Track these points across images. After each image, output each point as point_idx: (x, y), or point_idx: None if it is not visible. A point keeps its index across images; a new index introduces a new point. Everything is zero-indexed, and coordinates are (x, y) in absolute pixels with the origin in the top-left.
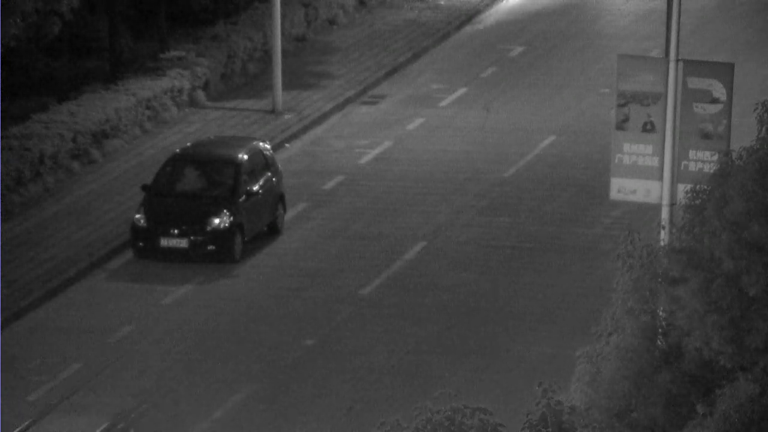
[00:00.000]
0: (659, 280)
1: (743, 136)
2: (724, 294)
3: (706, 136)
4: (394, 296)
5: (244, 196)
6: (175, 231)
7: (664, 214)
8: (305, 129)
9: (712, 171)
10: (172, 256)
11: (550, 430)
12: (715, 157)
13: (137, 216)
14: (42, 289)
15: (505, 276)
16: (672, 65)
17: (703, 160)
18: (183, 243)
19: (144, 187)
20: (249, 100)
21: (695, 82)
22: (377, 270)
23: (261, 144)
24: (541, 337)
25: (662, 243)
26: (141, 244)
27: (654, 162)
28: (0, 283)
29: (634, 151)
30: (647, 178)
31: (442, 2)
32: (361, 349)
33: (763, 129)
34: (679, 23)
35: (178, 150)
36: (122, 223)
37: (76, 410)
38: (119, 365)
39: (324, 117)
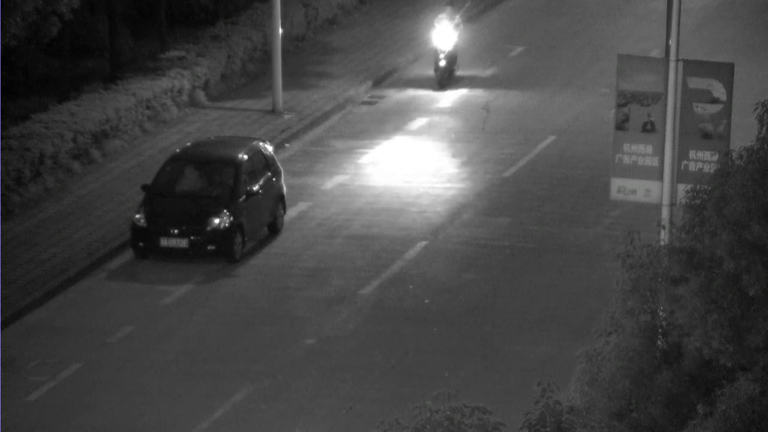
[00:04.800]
0: (659, 279)
1: (743, 136)
2: (724, 293)
3: (706, 136)
4: (394, 296)
5: (244, 196)
6: (175, 231)
7: (664, 214)
8: (305, 129)
9: (712, 171)
10: (172, 255)
11: (548, 429)
12: (715, 157)
13: (137, 216)
14: (42, 289)
15: (505, 276)
16: (672, 65)
17: (703, 160)
18: (183, 243)
19: (144, 187)
20: (249, 100)
21: (695, 82)
22: (377, 270)
23: (261, 144)
24: (541, 337)
25: (662, 243)
26: (141, 244)
27: (654, 162)
28: (0, 283)
29: (634, 151)
30: (647, 178)
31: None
32: (361, 349)
33: (763, 129)
34: (679, 23)
35: (178, 150)
36: (122, 223)
37: (77, 410)
38: (119, 365)
39: (324, 117)
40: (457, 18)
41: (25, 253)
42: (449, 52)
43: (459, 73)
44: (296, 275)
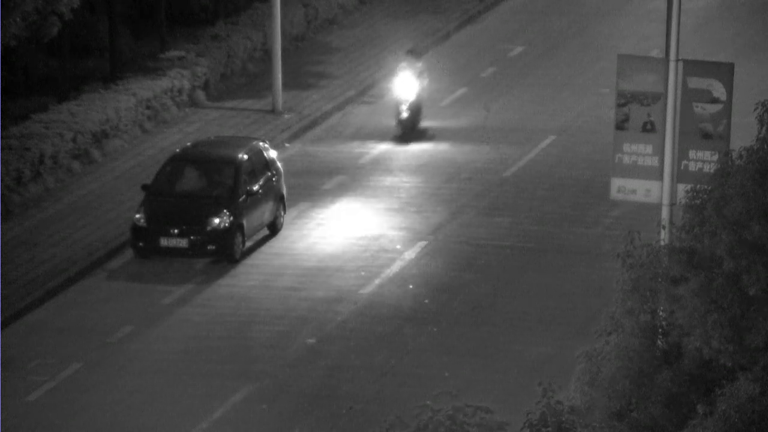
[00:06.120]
0: (659, 279)
1: (743, 136)
2: (724, 293)
3: (706, 136)
4: (394, 296)
5: (244, 196)
6: (175, 231)
7: (664, 214)
8: (305, 129)
9: (712, 171)
10: (172, 255)
11: (549, 429)
12: (715, 157)
13: (137, 216)
14: (42, 289)
15: (505, 276)
16: (672, 65)
17: (703, 160)
18: (183, 243)
19: (144, 187)
20: (249, 100)
21: (695, 82)
22: (377, 270)
23: (261, 144)
24: (541, 337)
25: (662, 243)
26: (141, 243)
27: (654, 162)
28: (0, 283)
29: (634, 151)
30: (647, 178)
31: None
32: (361, 349)
33: (763, 129)
34: (679, 23)
35: (178, 150)
36: (122, 223)
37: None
38: (119, 365)
39: (324, 117)
40: (421, 65)
41: (25, 253)
42: (412, 102)
43: (425, 124)
44: (296, 275)
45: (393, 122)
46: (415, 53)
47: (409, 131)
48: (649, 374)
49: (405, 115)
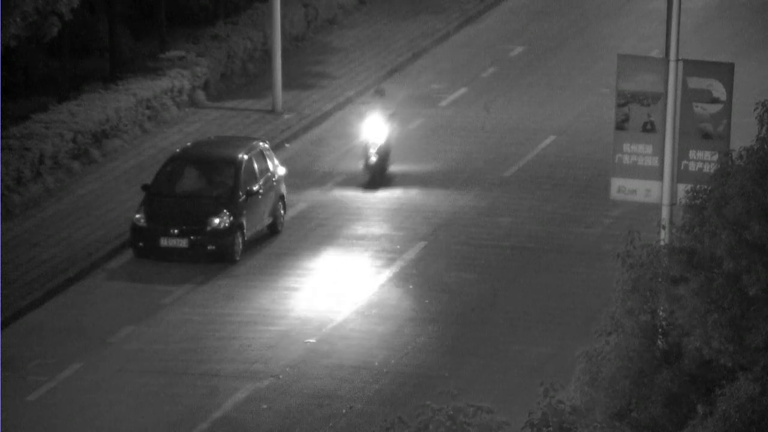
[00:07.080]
0: (659, 279)
1: (743, 136)
2: (724, 293)
3: (706, 136)
4: (394, 296)
5: (244, 196)
6: (175, 231)
7: (664, 214)
8: (305, 129)
9: (712, 171)
10: (172, 255)
11: (551, 429)
12: (715, 157)
13: (137, 216)
14: (42, 289)
15: (505, 276)
16: (672, 65)
17: (703, 160)
18: (183, 243)
19: (144, 187)
20: (249, 100)
21: (695, 82)
22: (377, 270)
23: (261, 144)
24: (541, 336)
25: (662, 243)
26: (141, 244)
27: (654, 162)
28: (0, 283)
29: (634, 151)
30: (647, 178)
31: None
32: (361, 349)
33: (763, 129)
34: (679, 23)
35: (178, 150)
36: (122, 223)
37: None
38: (119, 365)
39: (324, 117)
40: (393, 107)
41: (25, 253)
42: (381, 146)
43: (393, 168)
44: (296, 275)
45: (360, 166)
46: (384, 95)
47: (377, 176)
48: (649, 374)
49: (373, 159)
